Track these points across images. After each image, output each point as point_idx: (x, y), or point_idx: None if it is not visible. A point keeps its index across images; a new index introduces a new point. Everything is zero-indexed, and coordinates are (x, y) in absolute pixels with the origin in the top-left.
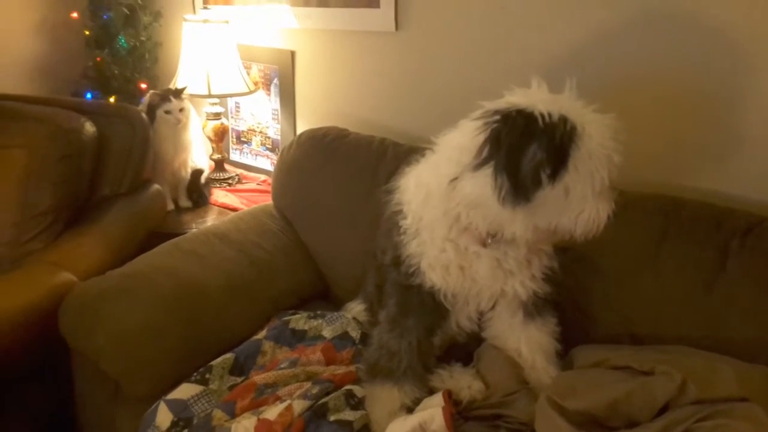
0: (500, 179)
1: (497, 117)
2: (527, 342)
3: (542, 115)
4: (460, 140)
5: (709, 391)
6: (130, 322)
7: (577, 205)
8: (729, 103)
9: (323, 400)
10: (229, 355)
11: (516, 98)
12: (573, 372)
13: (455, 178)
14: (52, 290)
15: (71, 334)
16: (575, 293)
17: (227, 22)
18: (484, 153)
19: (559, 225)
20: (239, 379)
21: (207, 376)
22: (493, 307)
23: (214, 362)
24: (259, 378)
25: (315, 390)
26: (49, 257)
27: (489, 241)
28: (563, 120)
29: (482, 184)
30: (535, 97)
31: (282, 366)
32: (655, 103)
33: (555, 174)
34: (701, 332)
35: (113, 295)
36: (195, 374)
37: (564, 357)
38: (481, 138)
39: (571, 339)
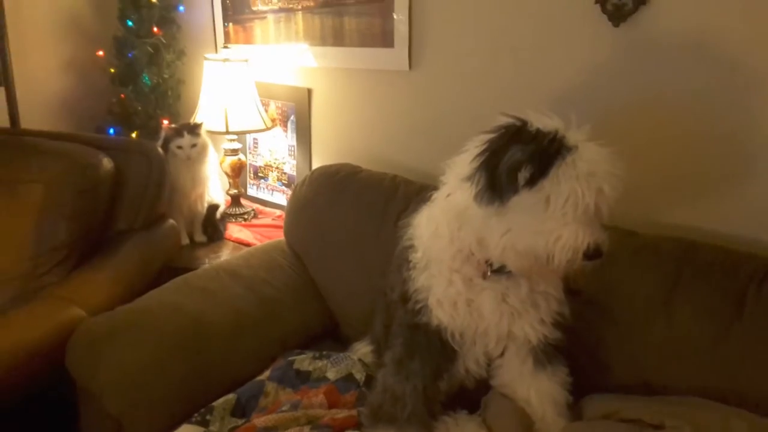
0: (478, 175)
1: (501, 131)
2: (537, 392)
3: (537, 127)
4: (464, 156)
5: None
6: (134, 360)
7: (556, 225)
8: (745, 139)
9: None
10: (230, 396)
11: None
12: (582, 424)
13: (450, 194)
14: (61, 326)
15: (76, 370)
16: (586, 338)
17: (246, 60)
18: (476, 161)
19: (536, 248)
20: (240, 421)
21: (208, 417)
22: (502, 354)
23: (215, 403)
24: (259, 421)
25: None
26: (61, 292)
27: (488, 272)
28: (555, 132)
29: (469, 192)
30: (544, 119)
31: (283, 408)
32: (668, 142)
33: (534, 179)
34: (715, 383)
35: (118, 332)
36: (196, 415)
37: (575, 405)
38: (479, 149)
39: (582, 386)
